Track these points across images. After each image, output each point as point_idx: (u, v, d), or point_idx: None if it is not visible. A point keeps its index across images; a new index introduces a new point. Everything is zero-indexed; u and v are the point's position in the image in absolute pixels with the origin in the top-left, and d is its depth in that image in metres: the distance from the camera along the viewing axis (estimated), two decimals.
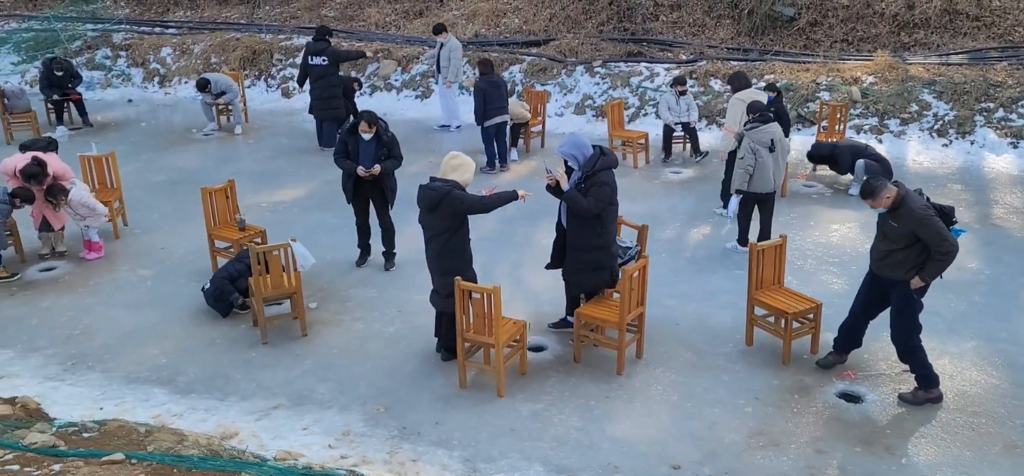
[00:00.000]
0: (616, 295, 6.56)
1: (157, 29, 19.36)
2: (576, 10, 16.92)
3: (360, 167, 7.84)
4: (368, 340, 7.08)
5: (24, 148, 8.73)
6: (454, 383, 6.34)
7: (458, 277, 6.04)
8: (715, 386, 6.25)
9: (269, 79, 16.92)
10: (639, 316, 6.47)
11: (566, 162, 6.48)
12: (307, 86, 13.10)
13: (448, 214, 6.17)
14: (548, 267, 6.93)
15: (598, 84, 14.55)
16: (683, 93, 11.75)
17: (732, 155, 9.12)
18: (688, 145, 11.98)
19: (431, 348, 6.83)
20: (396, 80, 16.12)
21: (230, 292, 7.37)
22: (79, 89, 14.65)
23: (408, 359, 6.74)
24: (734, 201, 8.51)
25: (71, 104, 14.39)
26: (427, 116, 14.83)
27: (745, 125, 8.40)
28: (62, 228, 8.88)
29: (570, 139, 6.42)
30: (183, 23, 19.44)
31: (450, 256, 6.28)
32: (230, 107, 14.09)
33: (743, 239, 8.52)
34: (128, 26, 19.27)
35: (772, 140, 8.19)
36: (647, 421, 5.83)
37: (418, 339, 7.01)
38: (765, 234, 8.50)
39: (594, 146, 6.43)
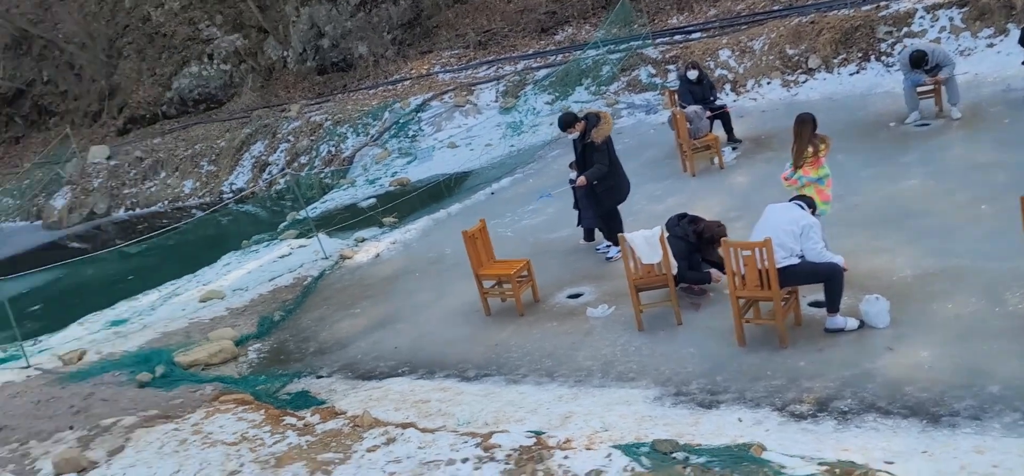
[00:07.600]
0: None
1: (677, 37, 16.86)
2: None
3: None
4: None
5: None
6: None
7: None
8: None
9: (884, 57, 13.46)
10: None
11: None
12: None
13: None
14: None
15: None
16: None
17: None
18: None
19: None
20: None
21: None
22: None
23: None
24: None
25: (716, 120, 11.70)
26: None
27: None
28: None
29: None
30: (706, 25, 16.77)
31: None
32: (944, 85, 10.62)
33: None
34: (647, 41, 16.93)
35: None
36: None
37: None
38: None
39: None
